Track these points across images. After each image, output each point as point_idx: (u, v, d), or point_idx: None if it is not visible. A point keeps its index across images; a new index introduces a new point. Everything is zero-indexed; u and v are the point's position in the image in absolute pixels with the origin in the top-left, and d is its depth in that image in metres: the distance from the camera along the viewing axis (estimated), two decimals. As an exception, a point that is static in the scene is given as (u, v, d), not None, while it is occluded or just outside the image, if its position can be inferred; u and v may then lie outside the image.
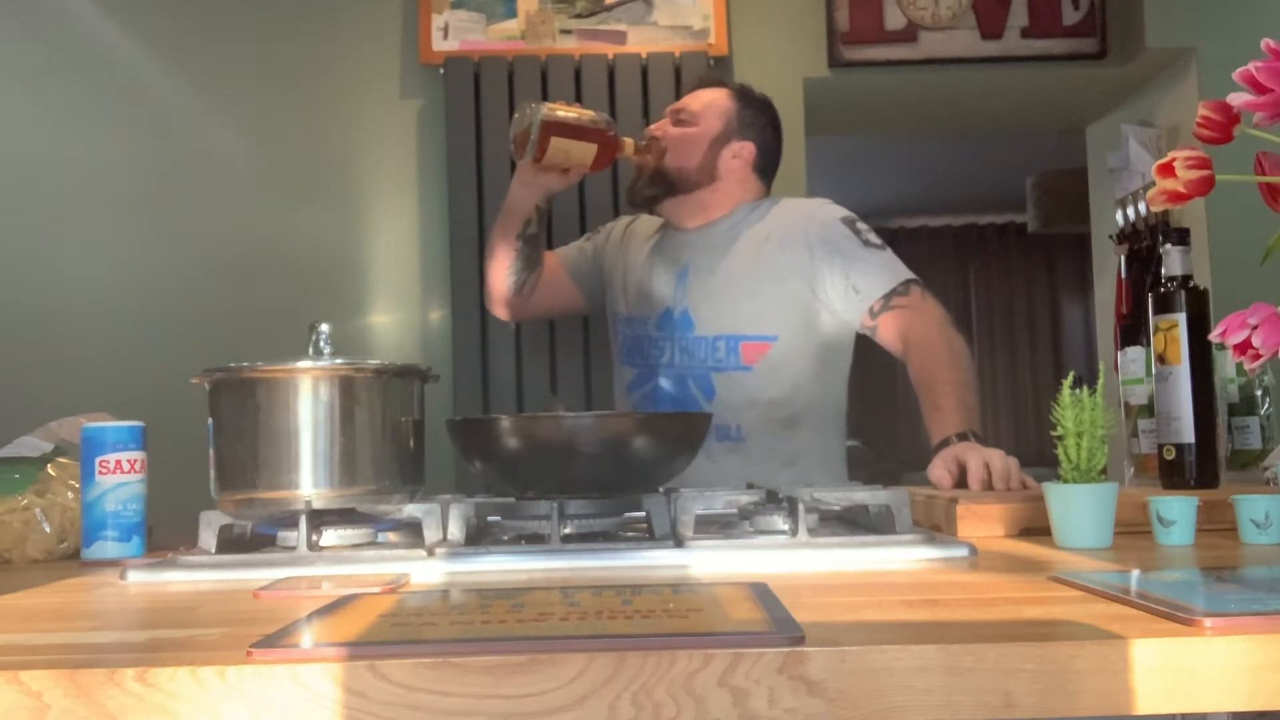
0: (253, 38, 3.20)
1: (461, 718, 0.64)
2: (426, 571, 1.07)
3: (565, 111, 1.88)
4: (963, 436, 1.70)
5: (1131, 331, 1.73)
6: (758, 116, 2.07)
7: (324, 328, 1.26)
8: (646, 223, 2.17)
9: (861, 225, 1.98)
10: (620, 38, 3.20)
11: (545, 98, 3.14)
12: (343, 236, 3.18)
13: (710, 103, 2.05)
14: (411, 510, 1.23)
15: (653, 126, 2.07)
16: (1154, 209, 1.11)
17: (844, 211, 2.02)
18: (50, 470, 1.38)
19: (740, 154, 2.03)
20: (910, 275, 1.93)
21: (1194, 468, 1.42)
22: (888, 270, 1.92)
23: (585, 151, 1.89)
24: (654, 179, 2.01)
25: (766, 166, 2.08)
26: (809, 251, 1.94)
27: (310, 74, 3.20)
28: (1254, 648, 0.67)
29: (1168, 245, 1.48)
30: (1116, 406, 1.68)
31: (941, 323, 1.87)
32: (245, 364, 1.23)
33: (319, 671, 0.65)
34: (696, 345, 1.97)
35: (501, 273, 2.14)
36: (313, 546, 1.16)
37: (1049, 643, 0.67)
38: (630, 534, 1.27)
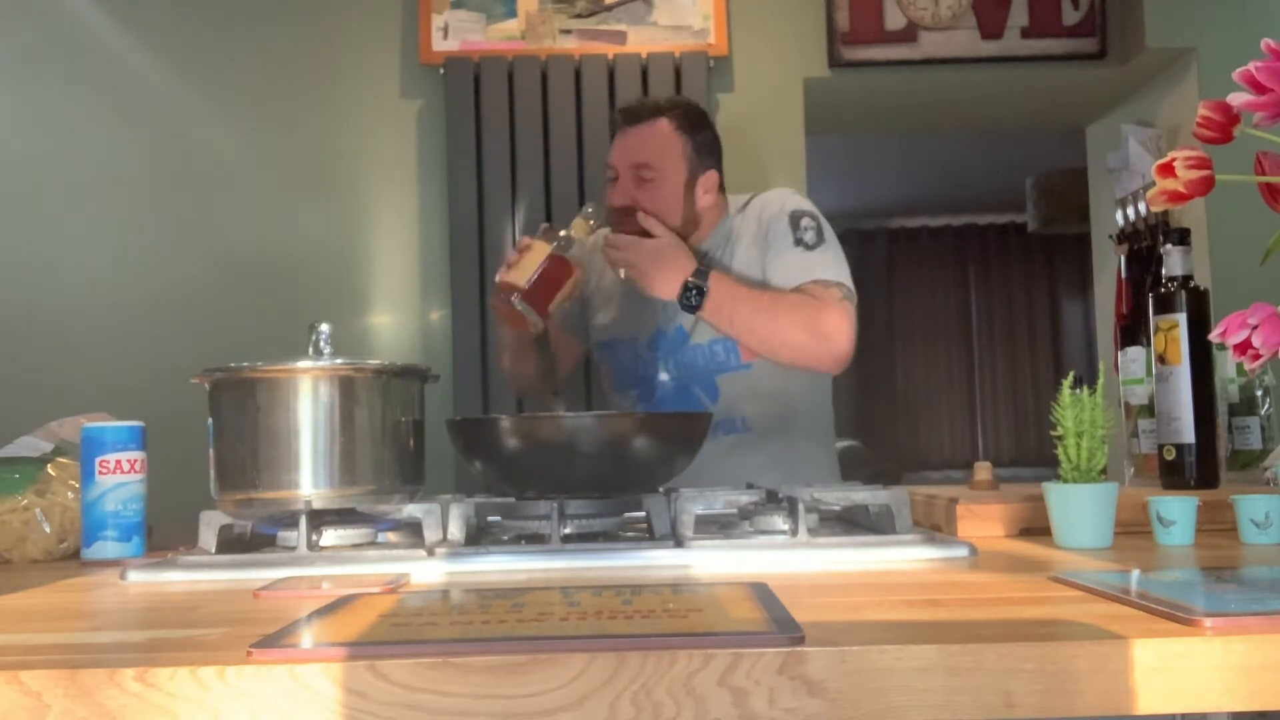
0: (253, 38, 3.21)
1: (461, 718, 0.64)
2: (426, 571, 1.07)
3: (522, 274, 1.80)
4: (699, 274, 1.85)
5: (1131, 331, 1.73)
6: (705, 133, 2.02)
7: (324, 328, 1.26)
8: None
9: (807, 221, 1.94)
10: (620, 38, 3.20)
11: (545, 97, 3.14)
12: (343, 236, 3.18)
13: (665, 147, 1.97)
14: (411, 510, 1.23)
15: (615, 194, 1.98)
16: (1154, 209, 1.11)
17: (797, 205, 1.98)
18: (50, 470, 1.38)
19: (709, 185, 1.99)
20: (832, 278, 1.90)
21: (1194, 468, 1.42)
22: (800, 267, 1.91)
23: (567, 289, 1.83)
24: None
25: (723, 174, 2.05)
26: (763, 245, 1.95)
27: (311, 74, 3.20)
28: (1254, 648, 0.67)
29: (1168, 245, 1.48)
30: (1116, 406, 1.68)
31: (821, 312, 1.86)
32: (245, 364, 1.23)
33: (319, 671, 0.65)
34: (694, 354, 1.99)
35: (534, 381, 2.09)
36: (313, 546, 1.16)
37: (1049, 643, 0.67)
38: (630, 534, 1.27)
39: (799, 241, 1.92)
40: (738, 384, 1.96)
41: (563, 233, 1.84)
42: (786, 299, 1.88)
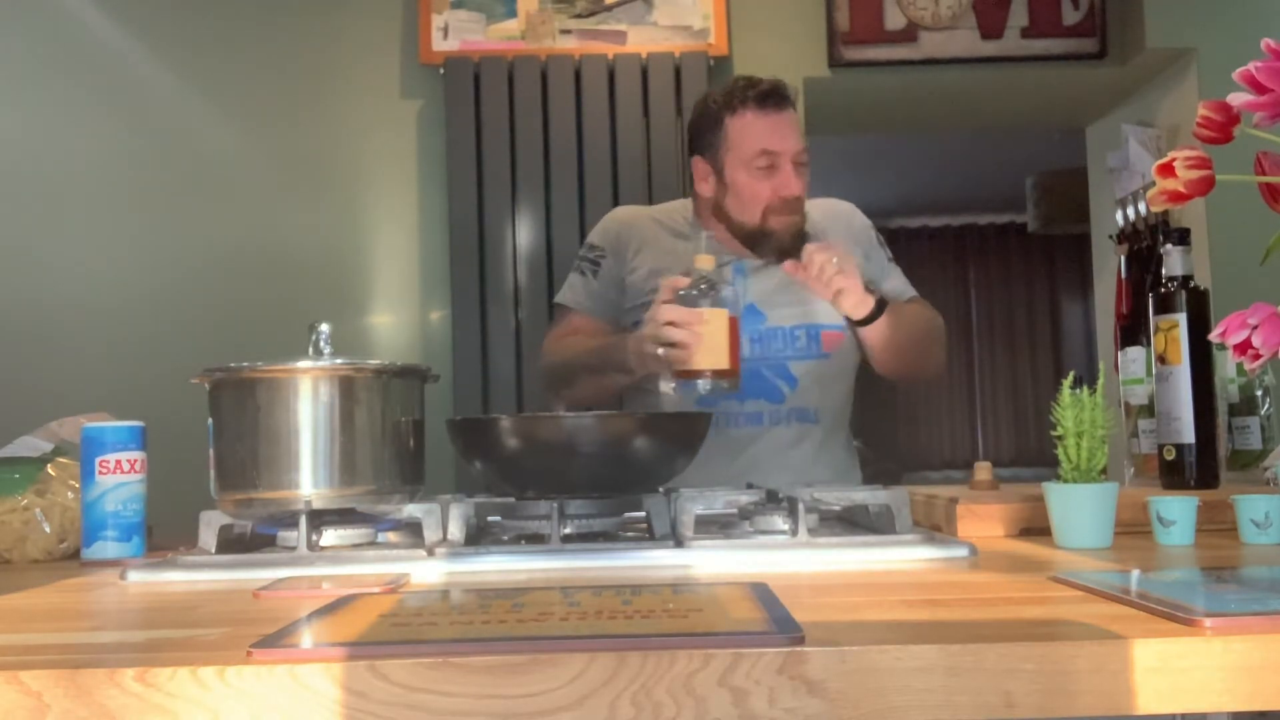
0: (253, 38, 3.21)
1: (461, 718, 0.64)
2: (426, 571, 1.07)
3: (717, 353, 1.59)
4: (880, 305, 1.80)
5: (1131, 331, 1.73)
6: None
7: (324, 328, 1.26)
8: (639, 229, 2.01)
9: (880, 237, 2.06)
10: (620, 38, 3.20)
11: (545, 97, 3.14)
12: (343, 236, 3.18)
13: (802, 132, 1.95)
14: (411, 510, 1.23)
15: (787, 183, 1.86)
16: (1154, 209, 1.11)
17: (866, 219, 2.07)
18: (50, 470, 1.38)
19: None
20: (915, 293, 2.03)
21: (1194, 468, 1.42)
22: (903, 284, 2.03)
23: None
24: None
25: None
26: (858, 251, 1.93)
27: (310, 74, 3.20)
28: (1254, 648, 0.67)
29: (1168, 245, 1.48)
30: (1116, 406, 1.68)
31: (942, 329, 1.96)
32: (245, 364, 1.23)
33: (319, 671, 0.65)
34: (771, 336, 1.93)
35: (589, 399, 1.93)
36: (313, 546, 1.16)
37: (1049, 643, 0.67)
38: (630, 534, 1.27)
39: (890, 259, 2.03)
40: (815, 373, 1.93)
41: (709, 283, 1.62)
42: (925, 314, 1.96)
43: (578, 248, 3.07)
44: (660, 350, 1.61)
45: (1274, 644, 0.67)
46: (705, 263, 1.64)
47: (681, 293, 1.61)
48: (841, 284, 1.73)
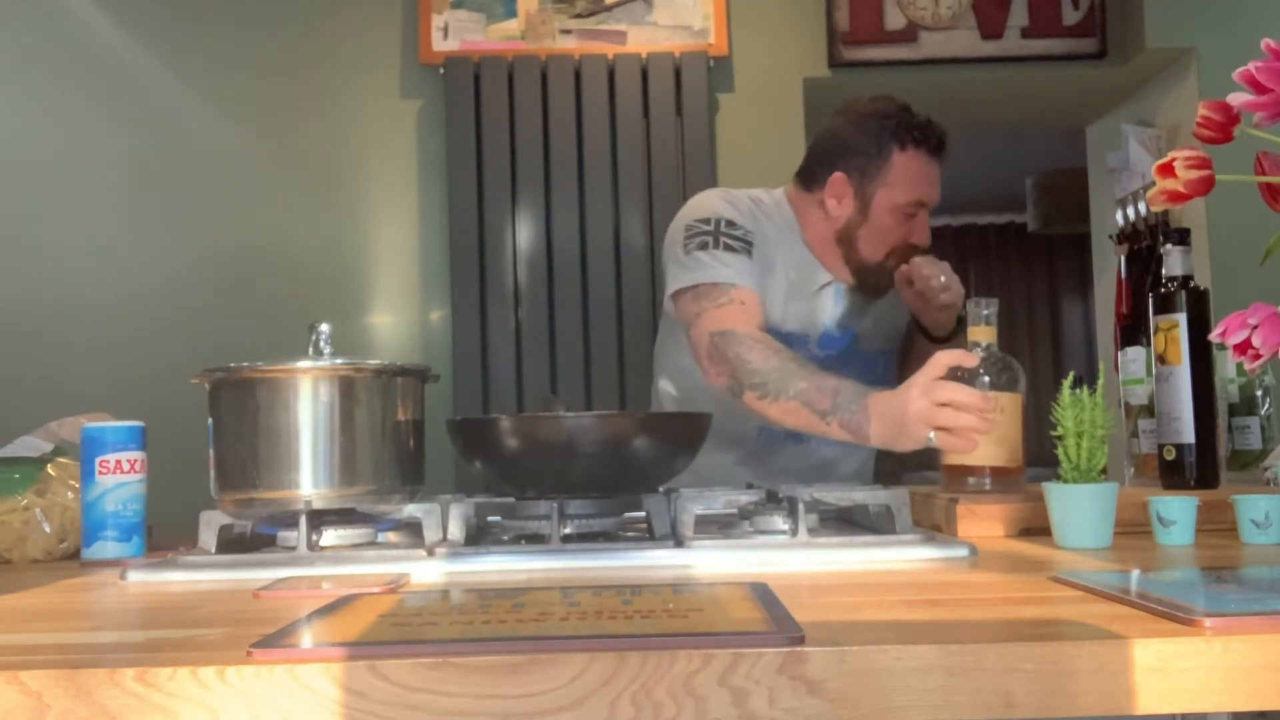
0: (253, 38, 3.21)
1: (461, 718, 0.64)
2: (426, 571, 1.07)
3: (1013, 446, 1.42)
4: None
5: (1131, 331, 1.73)
6: None
7: (324, 328, 1.26)
8: (773, 223, 1.89)
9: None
10: (620, 38, 3.20)
11: (545, 97, 3.14)
12: (343, 236, 3.18)
13: None
14: (411, 510, 1.23)
15: (923, 231, 1.84)
16: (1154, 209, 1.11)
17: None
18: (50, 470, 1.38)
19: None
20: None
21: (1194, 468, 1.42)
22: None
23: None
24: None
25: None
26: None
27: (311, 74, 3.20)
28: (1254, 648, 0.67)
29: (1168, 245, 1.48)
30: (1116, 406, 1.68)
31: None
32: (245, 364, 1.23)
33: (319, 671, 0.65)
34: (860, 360, 1.89)
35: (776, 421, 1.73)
36: (313, 546, 1.16)
37: (1049, 643, 0.67)
38: (630, 534, 1.27)
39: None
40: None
41: (1000, 362, 1.44)
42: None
43: (578, 247, 3.11)
44: (933, 434, 1.42)
45: (1274, 644, 0.67)
46: (985, 335, 1.45)
47: (962, 373, 1.40)
48: (948, 300, 1.75)
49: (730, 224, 1.82)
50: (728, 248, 1.80)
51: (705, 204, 1.87)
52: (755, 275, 1.79)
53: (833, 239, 1.86)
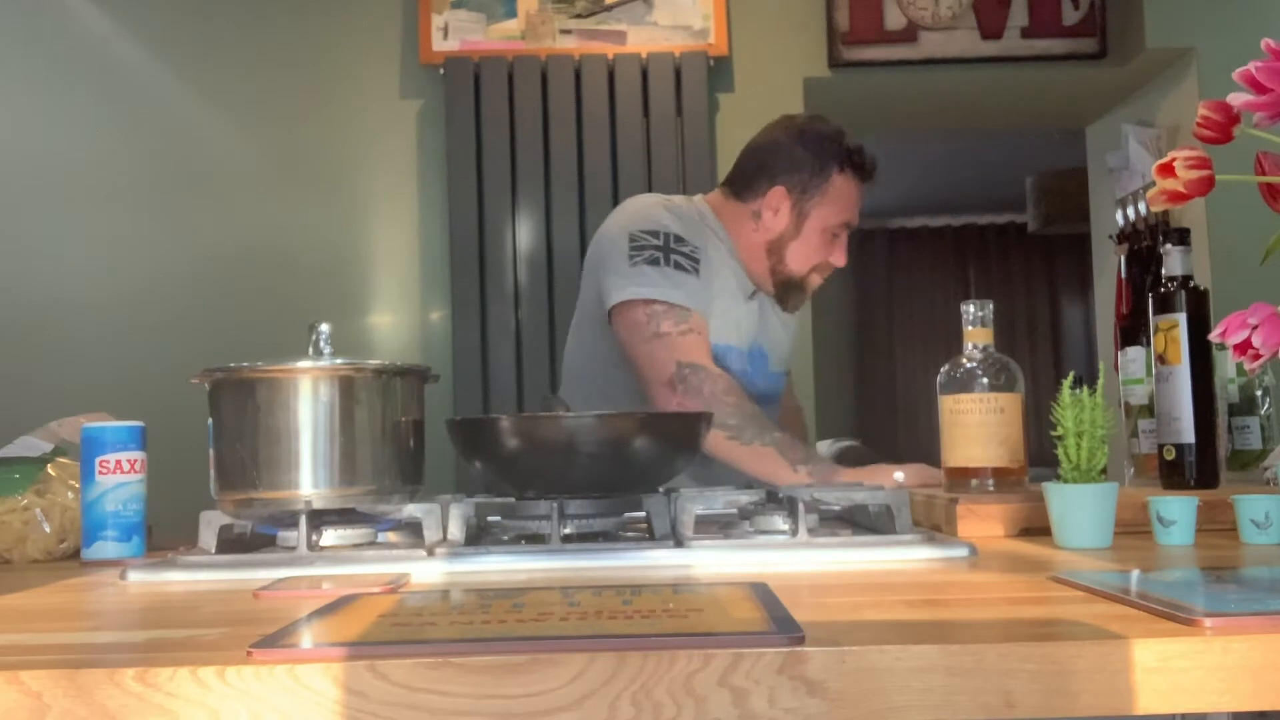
0: (253, 38, 3.21)
1: (461, 718, 0.64)
2: (426, 571, 1.07)
3: None
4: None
5: (1131, 331, 1.73)
6: None
7: (324, 328, 1.26)
8: (706, 235, 1.90)
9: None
10: (620, 38, 3.20)
11: (545, 97, 3.14)
12: (343, 236, 3.18)
13: None
14: (411, 510, 1.23)
15: (844, 253, 1.93)
16: (1154, 209, 1.11)
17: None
18: (50, 470, 1.38)
19: None
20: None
21: (1194, 468, 1.42)
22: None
23: None
24: None
25: None
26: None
27: (311, 74, 3.21)
28: (1254, 648, 0.67)
29: (1168, 245, 1.48)
30: (1116, 406, 1.68)
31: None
32: (245, 364, 1.23)
33: (319, 671, 0.65)
34: (769, 379, 1.98)
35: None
36: (313, 546, 1.16)
37: (1049, 643, 0.67)
38: (630, 534, 1.27)
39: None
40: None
41: (987, 357, 1.44)
42: None
43: (578, 248, 3.11)
44: (899, 474, 1.66)
45: (1274, 644, 0.67)
46: (982, 337, 1.44)
47: (962, 373, 1.43)
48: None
49: (679, 239, 1.83)
50: (679, 266, 1.81)
51: (649, 214, 1.87)
52: (703, 296, 1.82)
53: (763, 250, 1.90)
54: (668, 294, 1.78)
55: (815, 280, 1.92)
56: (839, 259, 1.91)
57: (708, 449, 1.66)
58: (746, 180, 1.92)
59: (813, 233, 1.88)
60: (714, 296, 1.85)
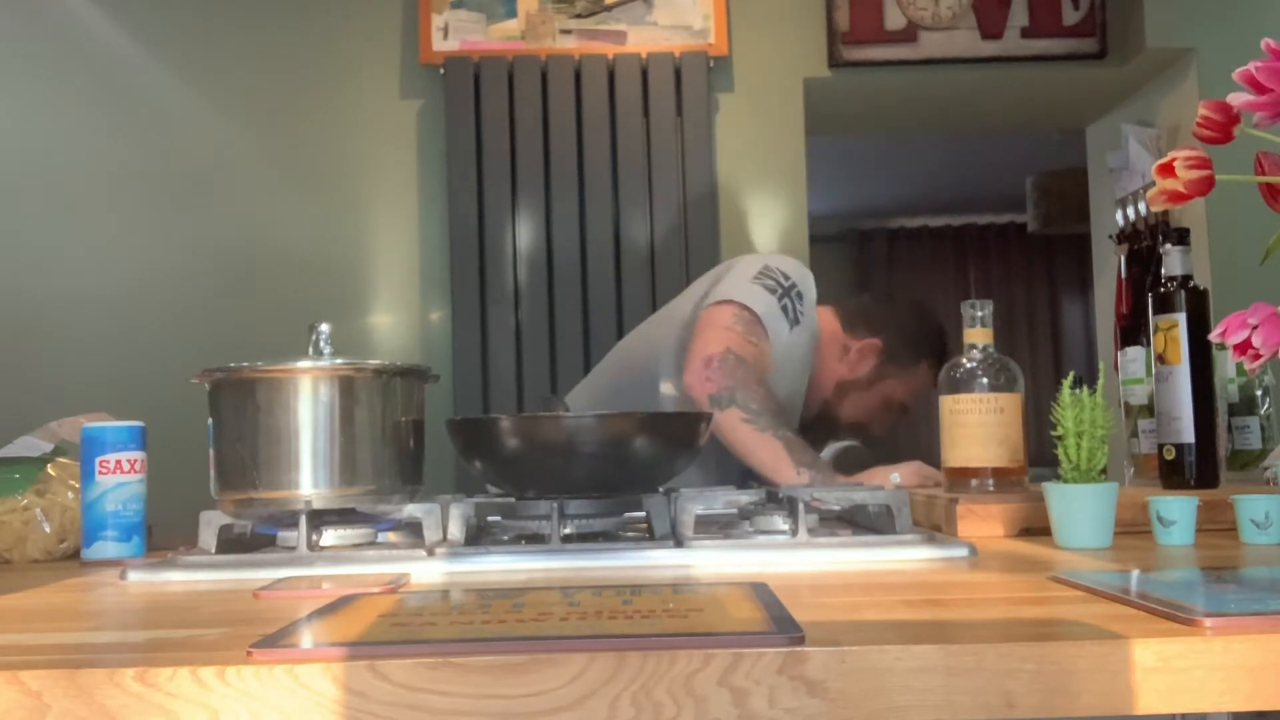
0: (253, 38, 3.21)
1: (461, 718, 0.64)
2: (426, 571, 1.07)
3: None
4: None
5: (1131, 331, 1.73)
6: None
7: (324, 328, 1.26)
8: (811, 315, 2.01)
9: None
10: (620, 38, 3.20)
11: (545, 97, 3.14)
12: (343, 236, 3.18)
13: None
14: (411, 510, 1.23)
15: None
16: (1154, 209, 1.11)
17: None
18: (50, 470, 1.38)
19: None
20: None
21: (1194, 468, 1.42)
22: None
23: None
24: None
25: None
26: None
27: (311, 74, 3.20)
28: (1254, 648, 0.67)
29: (1168, 245, 1.48)
30: (1116, 406, 1.68)
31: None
32: (245, 364, 1.23)
33: (319, 671, 0.65)
34: None
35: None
36: (313, 546, 1.16)
37: (1049, 643, 0.67)
38: (630, 534, 1.27)
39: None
40: None
41: (987, 358, 1.45)
42: None
43: (578, 247, 3.11)
44: (896, 475, 1.74)
45: (1274, 644, 0.67)
46: (982, 337, 1.46)
47: (961, 372, 1.45)
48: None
49: (800, 296, 1.96)
50: (784, 310, 1.92)
51: (792, 266, 2.00)
52: (783, 345, 1.91)
53: (833, 381, 2.02)
54: (765, 318, 1.89)
55: (848, 431, 2.05)
56: (880, 430, 2.06)
57: (720, 429, 1.74)
58: (861, 318, 2.05)
59: (876, 396, 2.02)
60: (780, 360, 1.93)
